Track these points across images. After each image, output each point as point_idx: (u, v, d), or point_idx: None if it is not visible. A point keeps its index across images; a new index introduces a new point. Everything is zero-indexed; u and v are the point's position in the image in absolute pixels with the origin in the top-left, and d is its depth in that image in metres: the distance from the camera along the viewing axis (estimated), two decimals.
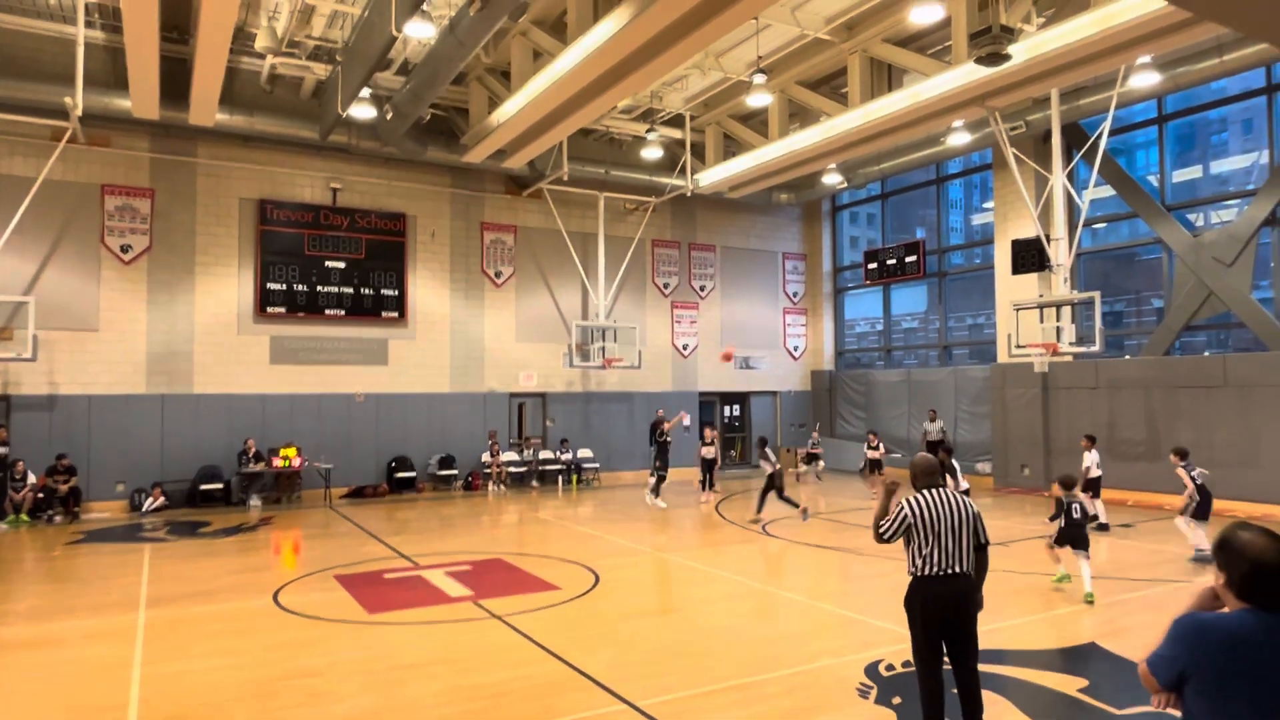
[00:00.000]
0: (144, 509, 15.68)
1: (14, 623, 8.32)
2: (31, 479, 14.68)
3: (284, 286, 17.68)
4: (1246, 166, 16.54)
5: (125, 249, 16.34)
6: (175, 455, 16.44)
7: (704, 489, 17.41)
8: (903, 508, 5.04)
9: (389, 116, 16.07)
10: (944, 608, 4.92)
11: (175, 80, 14.76)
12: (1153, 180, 17.29)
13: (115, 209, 16.26)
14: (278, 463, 16.90)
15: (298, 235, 17.87)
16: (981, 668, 6.60)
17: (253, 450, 16.69)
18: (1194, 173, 17.49)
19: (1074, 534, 9.19)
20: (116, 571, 10.80)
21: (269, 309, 17.51)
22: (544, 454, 20.17)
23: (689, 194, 20.39)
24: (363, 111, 15.25)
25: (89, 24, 14.62)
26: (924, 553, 4.96)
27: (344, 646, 7.42)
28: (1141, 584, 9.57)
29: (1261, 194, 15.14)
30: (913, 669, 6.57)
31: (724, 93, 18.12)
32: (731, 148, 19.75)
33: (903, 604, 5.10)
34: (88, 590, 9.80)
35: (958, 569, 4.95)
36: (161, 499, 15.90)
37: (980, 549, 5.14)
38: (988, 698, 5.97)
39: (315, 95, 17.50)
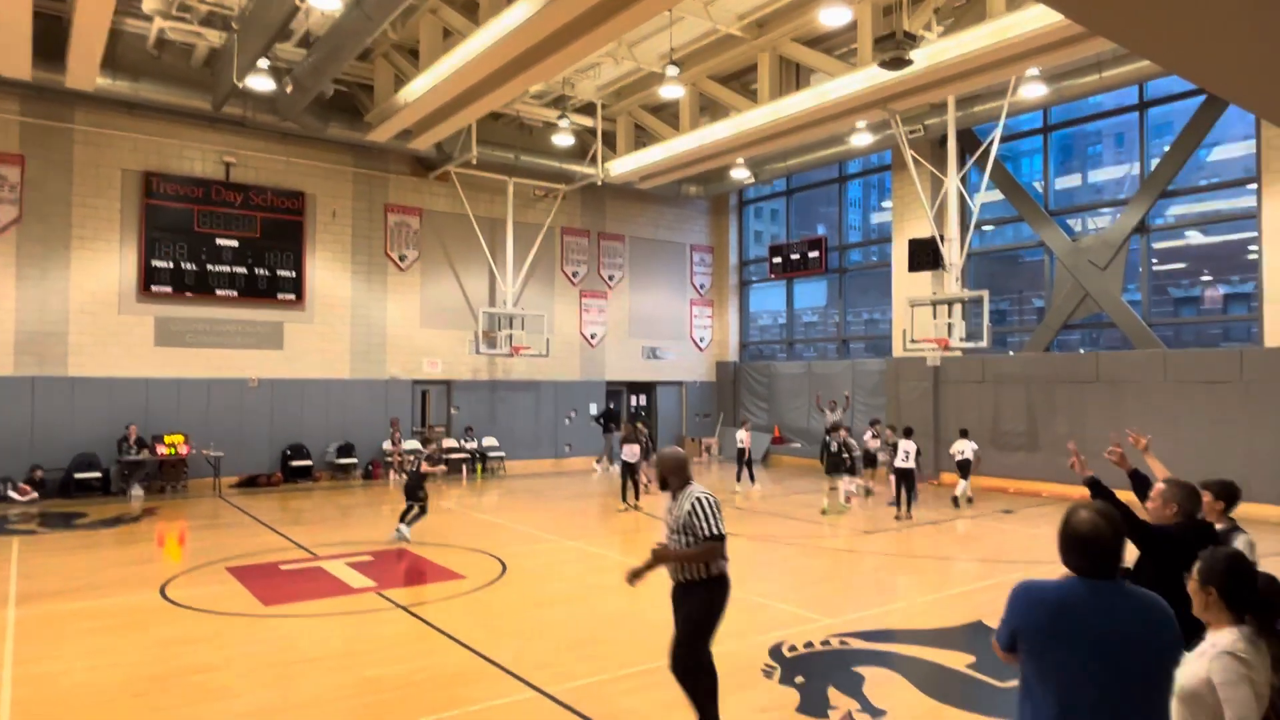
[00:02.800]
0: (19, 499, 14.59)
1: None
2: None
3: (171, 265, 16.72)
4: (1119, 177, 17.74)
5: None
6: (47, 442, 15.36)
7: (739, 480, 17.35)
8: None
9: (289, 90, 15.37)
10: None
11: (51, 39, 13.71)
12: (1037, 186, 18.33)
13: None
14: (162, 450, 16.02)
15: (187, 211, 16.92)
16: (876, 645, 6.94)
17: (134, 437, 15.77)
18: (1074, 181, 18.65)
19: (834, 461, 14.07)
20: None
21: (154, 288, 16.54)
22: (448, 442, 19.82)
23: (599, 183, 20.36)
24: (260, 83, 14.53)
25: None
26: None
27: (239, 641, 7.13)
28: (1022, 565, 10.19)
29: (1132, 204, 16.27)
30: (816, 649, 6.84)
31: (636, 83, 18.16)
32: (643, 138, 19.83)
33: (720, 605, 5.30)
34: None
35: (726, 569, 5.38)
36: (32, 491, 14.81)
37: (712, 539, 5.16)
38: (883, 674, 6.27)
39: (208, 64, 16.58)
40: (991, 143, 16.25)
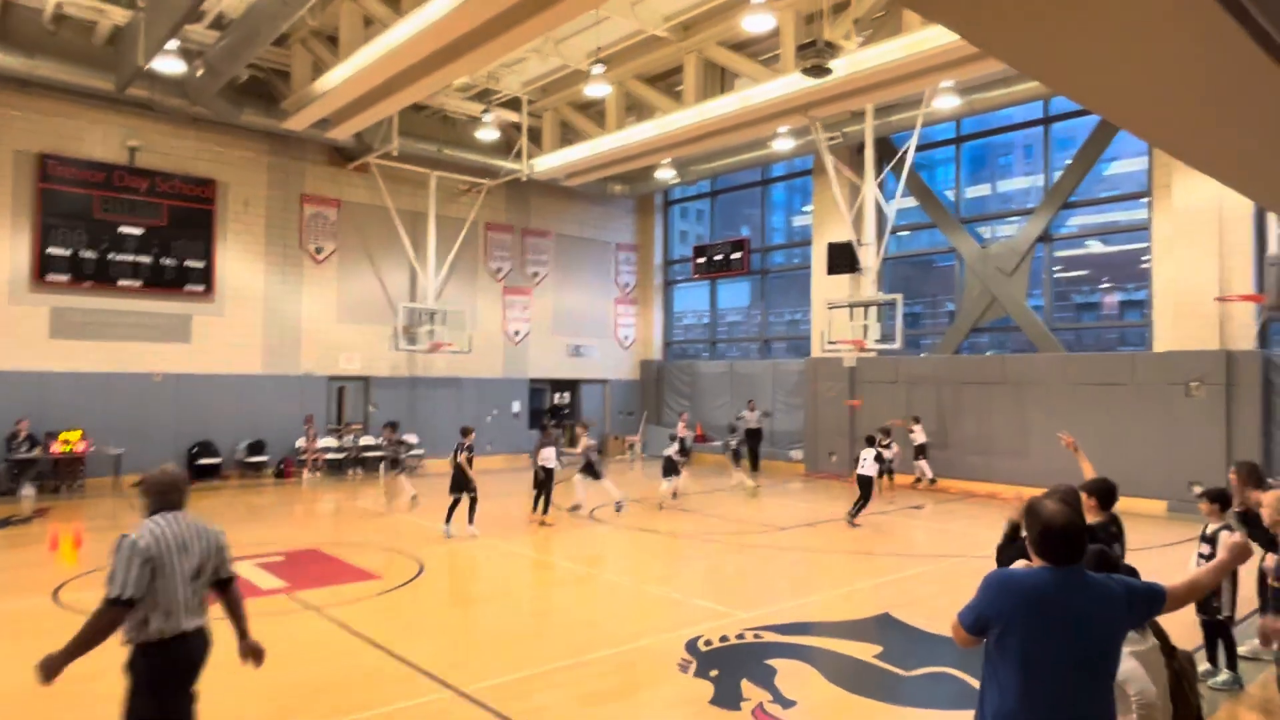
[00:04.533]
0: None
1: None
2: None
3: (69, 252, 15.86)
4: (1026, 188, 18.57)
5: None
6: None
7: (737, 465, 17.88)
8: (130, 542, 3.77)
9: (200, 74, 14.78)
10: (186, 671, 3.94)
11: None
12: (949, 195, 19.03)
13: None
14: (57, 448, 15.19)
15: (86, 196, 16.07)
16: (789, 639, 7.11)
17: (24, 433, 14.91)
18: (984, 190, 19.45)
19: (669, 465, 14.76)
20: None
21: (49, 276, 15.66)
22: (365, 440, 19.37)
23: (524, 179, 20.21)
24: (169, 65, 13.91)
25: None
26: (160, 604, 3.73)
27: None
28: (928, 559, 10.58)
29: (1037, 213, 17.06)
30: (730, 642, 6.96)
31: (563, 80, 18.10)
32: (569, 135, 19.77)
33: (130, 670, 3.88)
34: None
35: (189, 625, 3.87)
36: None
37: (224, 584, 4.11)
38: (794, 667, 6.43)
39: (111, 43, 15.78)
40: (907, 151, 16.79)
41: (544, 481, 13.04)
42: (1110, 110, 4.92)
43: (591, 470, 13.77)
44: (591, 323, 24.25)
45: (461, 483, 11.84)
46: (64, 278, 15.79)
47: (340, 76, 14.03)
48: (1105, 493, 5.24)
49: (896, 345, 16.55)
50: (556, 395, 24.04)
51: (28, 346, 15.50)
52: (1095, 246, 17.66)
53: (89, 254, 16.05)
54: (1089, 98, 4.56)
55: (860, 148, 17.81)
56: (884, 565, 10.29)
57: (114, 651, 6.71)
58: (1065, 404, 15.82)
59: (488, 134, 18.57)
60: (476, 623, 7.71)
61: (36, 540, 11.48)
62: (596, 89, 15.13)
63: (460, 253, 20.93)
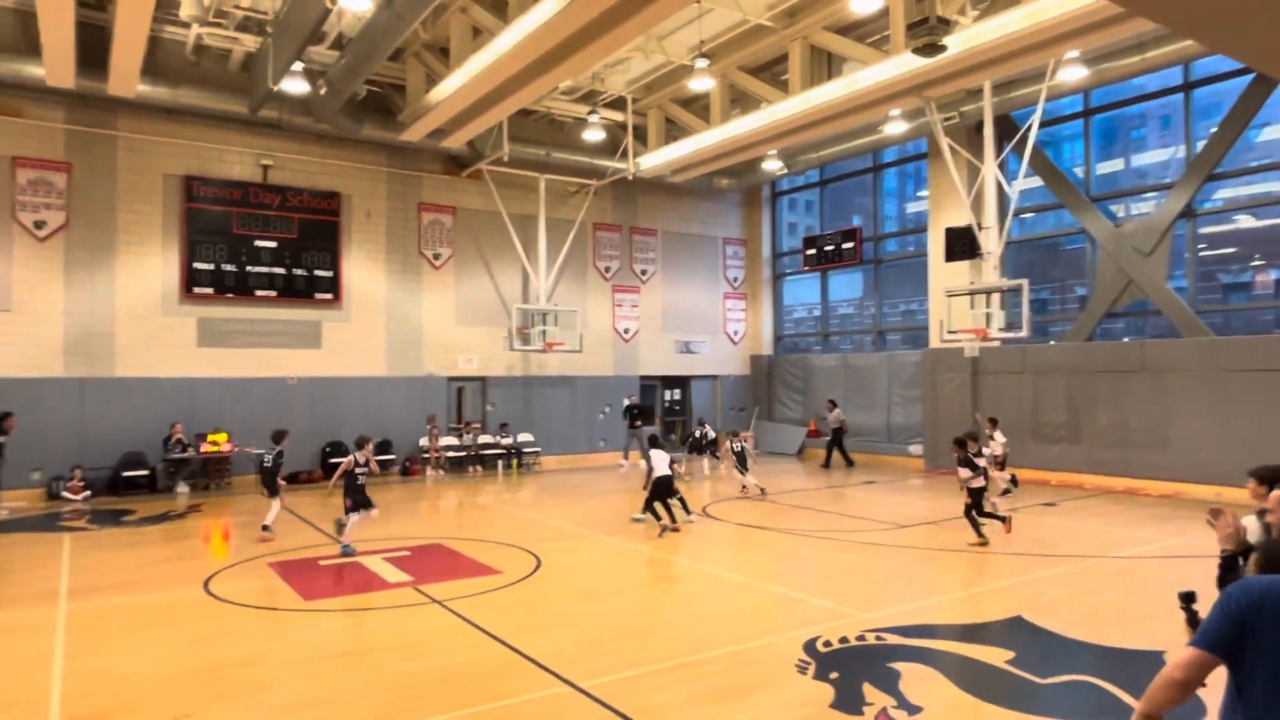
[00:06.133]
0: (73, 497, 15.01)
1: None
2: None
3: (212, 266, 17.06)
4: (1164, 160, 17.26)
5: (39, 225, 15.54)
6: (96, 441, 15.77)
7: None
8: None
9: (323, 92, 15.60)
10: None
11: (93, 48, 14.05)
12: (1078, 172, 17.91)
13: (28, 183, 15.44)
14: (206, 448, 16.37)
15: (226, 214, 17.24)
16: (913, 641, 6.84)
17: (179, 435, 16.13)
18: (1116, 165, 18.19)
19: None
20: (34, 563, 10.33)
21: (196, 289, 16.89)
22: (484, 438, 19.98)
23: (630, 177, 20.33)
24: (295, 86, 14.74)
25: None
26: None
27: (280, 635, 7.26)
28: (1063, 559, 9.98)
29: (1177, 187, 15.82)
30: (851, 644, 6.76)
31: (666, 76, 18.09)
32: (673, 131, 19.75)
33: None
34: (3, 582, 9.37)
35: None
36: (84, 489, 15.22)
37: None
38: (919, 670, 6.18)
39: (244, 68, 16.87)
40: (1030, 128, 15.91)
41: (665, 488, 12.02)
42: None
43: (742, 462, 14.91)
44: (700, 318, 24.17)
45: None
46: (208, 290, 17.00)
47: (452, 86, 14.49)
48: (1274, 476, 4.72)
49: (1024, 333, 15.73)
50: (667, 392, 24.09)
51: (178, 355, 16.77)
52: (1245, 221, 16.21)
53: (229, 267, 17.21)
54: (1260, 56, 4.14)
55: (979, 127, 17.01)
56: (1013, 565, 9.78)
57: (260, 640, 7.16)
58: (1213, 393, 14.62)
59: (594, 135, 18.80)
60: (592, 618, 7.80)
61: (190, 534, 12.39)
62: (700, 83, 15.03)
63: (570, 253, 21.27)
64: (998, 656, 6.50)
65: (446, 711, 5.49)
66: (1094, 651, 6.65)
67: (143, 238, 16.49)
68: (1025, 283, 15.68)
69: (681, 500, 12.39)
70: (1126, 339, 17.14)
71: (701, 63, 14.46)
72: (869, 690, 5.78)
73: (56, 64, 13.51)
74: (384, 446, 18.64)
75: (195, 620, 7.75)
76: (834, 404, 20.47)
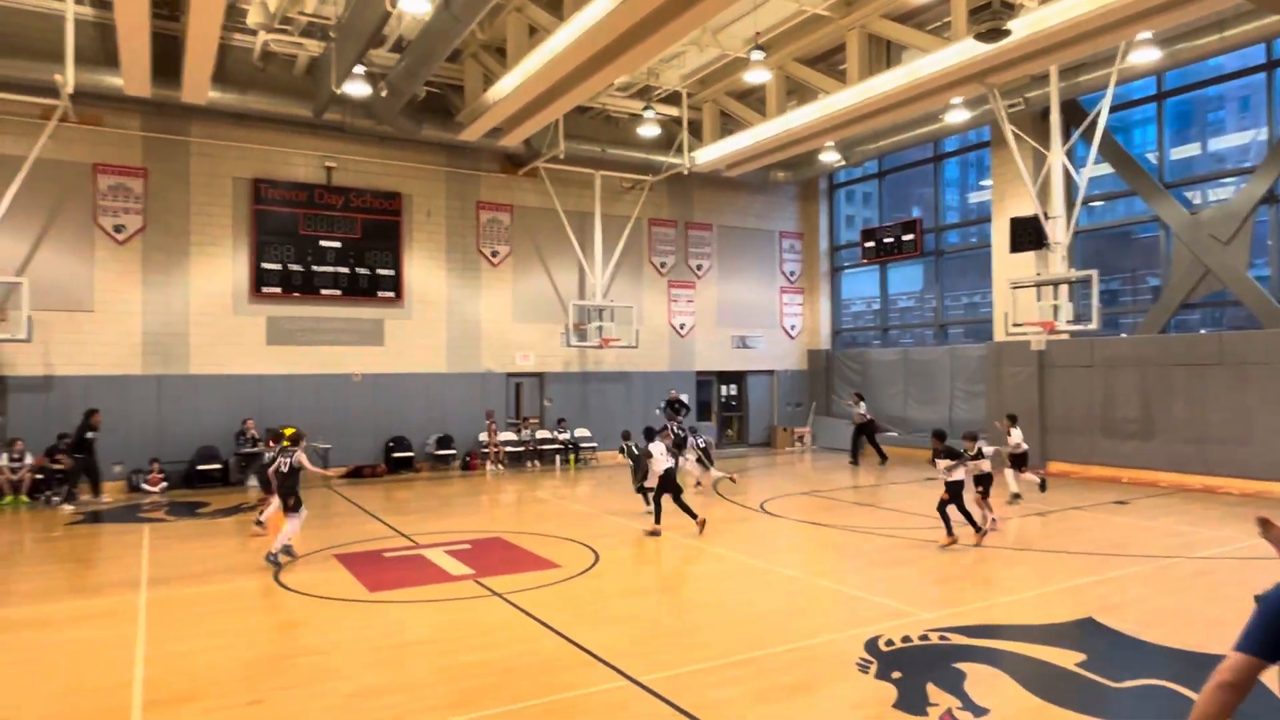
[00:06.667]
0: (151, 490, 15.66)
1: (17, 603, 8.34)
2: (29, 459, 14.65)
3: (279, 266, 17.59)
4: (1244, 144, 16.50)
5: (119, 229, 16.22)
6: (173, 436, 16.42)
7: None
8: None
9: (384, 94, 15.92)
10: None
11: (167, 57, 14.59)
12: (1151, 158, 17.25)
13: (108, 188, 16.13)
14: (275, 443, 16.87)
15: (292, 215, 17.75)
16: (978, 641, 6.70)
17: (251, 431, 16.67)
18: (1192, 150, 17.46)
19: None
20: (117, 551, 10.83)
21: (264, 289, 17.43)
22: (541, 434, 20.19)
23: (686, 172, 20.29)
24: (357, 89, 15.09)
25: (78, 0, 14.42)
26: None
27: (346, 625, 7.46)
28: (1136, 559, 9.65)
29: (1259, 171, 15.12)
30: (914, 643, 6.65)
31: (721, 69, 17.99)
32: (729, 125, 19.64)
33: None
34: (89, 570, 9.83)
35: None
36: (161, 482, 15.87)
37: None
38: (985, 672, 6.05)
39: (309, 73, 17.32)
40: (1099, 113, 15.37)
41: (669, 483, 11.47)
42: None
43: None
44: (757, 313, 24.00)
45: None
46: (276, 289, 17.52)
47: (509, 85, 14.65)
48: None
49: (1093, 325, 15.20)
50: (723, 388, 24.00)
51: (249, 353, 17.34)
52: None
53: (296, 267, 17.72)
54: None
55: (1045, 113, 16.51)
56: (1083, 565, 9.49)
57: (328, 630, 7.36)
58: None
59: (649, 130, 18.80)
60: (650, 613, 7.82)
61: (260, 527, 12.78)
62: (756, 75, 14.93)
63: (625, 249, 21.33)
64: (1067, 659, 6.32)
65: (510, 702, 5.58)
66: (1171, 655, 6.41)
67: (214, 239, 17.08)
68: (1094, 273, 15.17)
69: (684, 506, 11.48)
70: (1204, 331, 16.46)
71: (757, 55, 14.35)
72: (933, 691, 5.67)
73: (134, 74, 14.06)
74: (444, 441, 19.00)
75: (267, 610, 8.02)
76: (860, 396, 20.07)
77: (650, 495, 12.01)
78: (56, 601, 8.33)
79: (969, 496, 10.66)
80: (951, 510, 10.35)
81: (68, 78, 13.68)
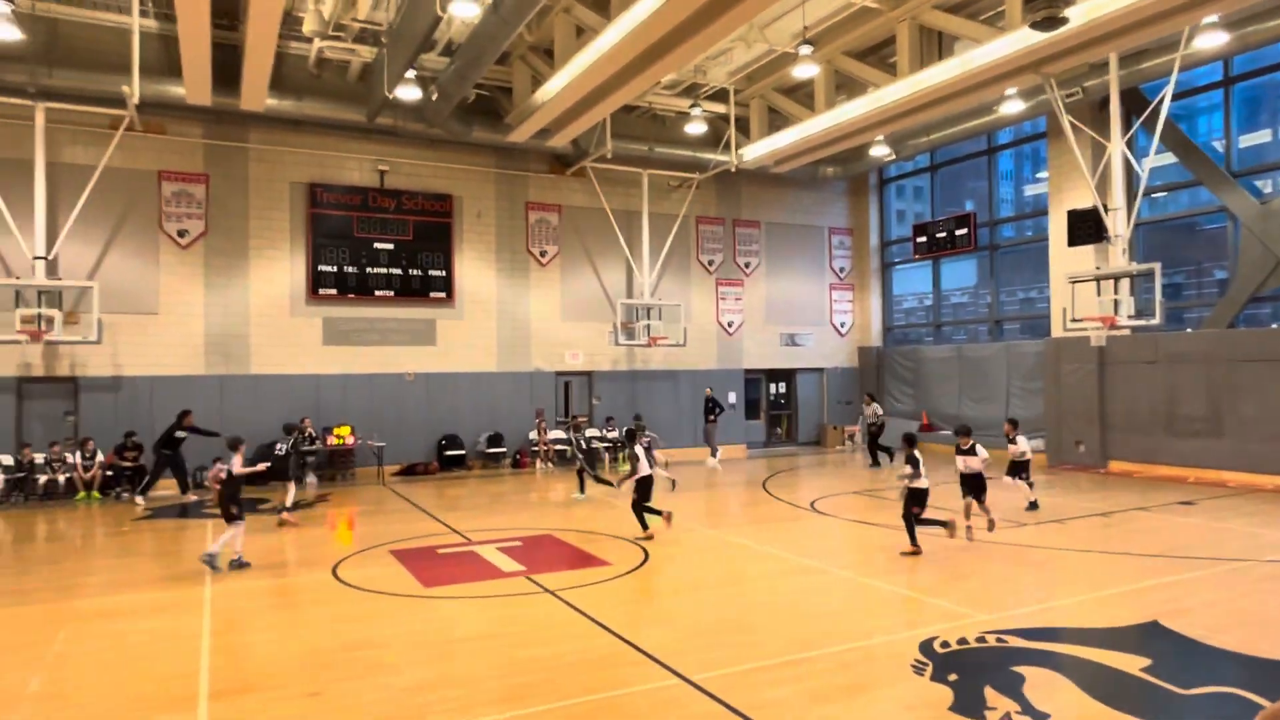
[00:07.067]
0: (214, 486, 16.15)
1: (89, 594, 8.67)
2: (100, 458, 15.22)
3: (335, 268, 17.98)
4: None
5: (182, 234, 16.75)
6: (234, 434, 16.85)
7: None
8: None
9: (434, 98, 16.16)
10: None
11: (226, 67, 15.01)
12: (1217, 146, 16.63)
13: (172, 194, 16.66)
14: (332, 441, 17.29)
15: (347, 218, 18.13)
16: (1037, 644, 6.55)
17: (309, 429, 17.07)
18: (1262, 137, 16.76)
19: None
20: (184, 545, 11.19)
21: (320, 291, 17.83)
22: (590, 432, 20.26)
23: (733, 169, 20.19)
24: (408, 93, 15.35)
25: (143, 13, 14.93)
26: None
27: (401, 619, 7.60)
28: (1205, 562, 9.33)
29: None
30: (970, 645, 6.52)
31: (769, 65, 17.86)
32: (776, 121, 19.48)
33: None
34: (156, 564, 10.17)
35: None
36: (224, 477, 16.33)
37: None
38: (1045, 675, 5.90)
39: (362, 78, 17.66)
40: (1162, 101, 14.88)
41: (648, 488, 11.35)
42: None
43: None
44: (806, 310, 23.78)
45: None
46: (332, 291, 17.92)
47: (557, 86, 14.74)
48: None
49: (1156, 320, 14.73)
50: (772, 386, 23.83)
51: (306, 353, 17.76)
52: None
53: (350, 269, 18.09)
54: None
55: (1104, 102, 16.04)
56: (1148, 567, 9.20)
57: (384, 624, 7.49)
58: None
59: (696, 128, 18.76)
60: (702, 612, 7.81)
61: (318, 522, 13.11)
62: (805, 70, 14.78)
63: (673, 247, 21.32)
64: (1132, 664, 6.14)
65: (563, 698, 5.62)
66: (1242, 662, 6.19)
67: (272, 243, 17.53)
68: (1157, 266, 14.69)
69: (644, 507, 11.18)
70: (1275, 325, 15.83)
71: (805, 49, 14.20)
72: (991, 694, 5.56)
73: (195, 83, 14.51)
74: (495, 439, 19.21)
75: (325, 603, 8.21)
76: (871, 397, 19.88)
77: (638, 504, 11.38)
78: (127, 593, 8.65)
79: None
80: (976, 508, 9.86)
81: (134, 88, 14.19)
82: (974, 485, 10.59)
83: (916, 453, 9.95)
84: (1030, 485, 12.70)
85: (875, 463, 19.01)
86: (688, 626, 7.29)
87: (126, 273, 16.28)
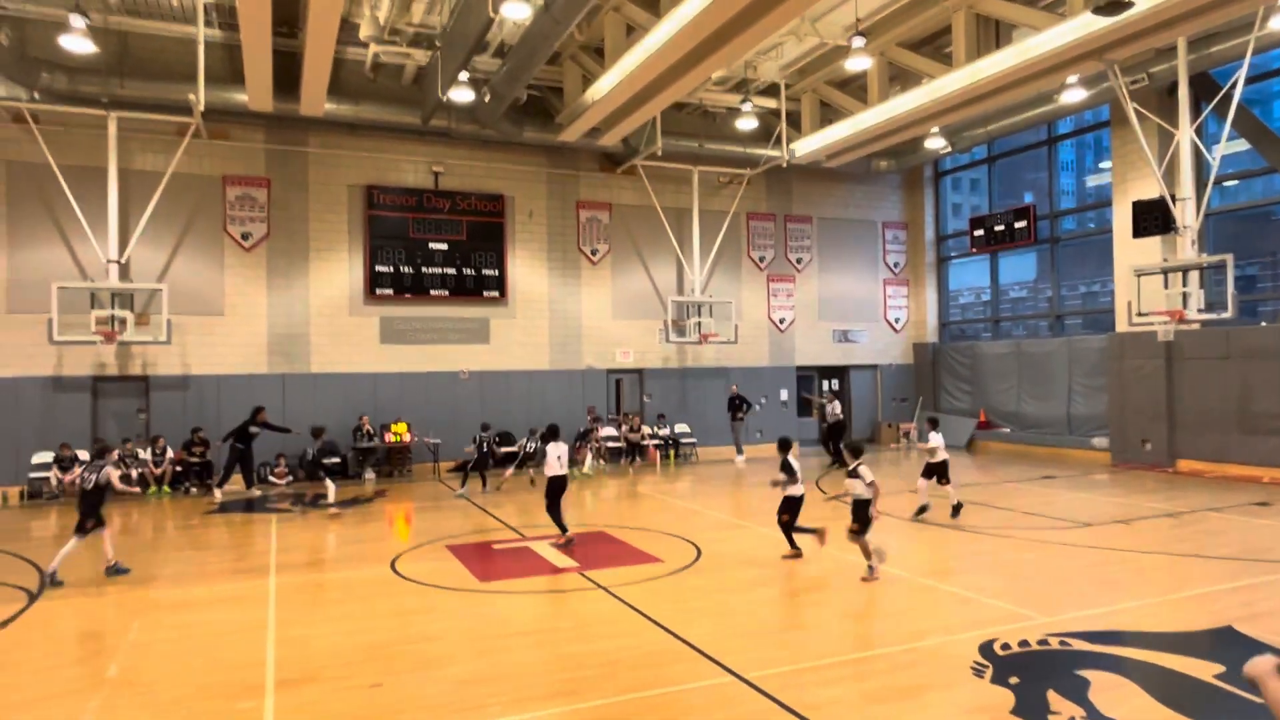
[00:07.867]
0: (278, 482, 16.64)
1: (161, 586, 9.00)
2: (170, 454, 15.78)
3: (391, 269, 18.34)
4: None
5: (246, 236, 17.26)
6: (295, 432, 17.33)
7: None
8: None
9: (487, 99, 16.36)
10: None
11: (287, 73, 15.42)
12: None
13: (236, 199, 17.18)
14: (389, 438, 17.64)
15: (402, 219, 18.47)
16: (1102, 648, 6.37)
17: (367, 426, 17.46)
18: None
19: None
20: (250, 539, 11.55)
21: (378, 291, 18.21)
22: (642, 429, 20.31)
23: (784, 165, 20.01)
24: (462, 95, 15.57)
25: (207, 23, 15.41)
26: None
27: (457, 613, 7.73)
28: None
29: None
30: (1032, 648, 6.38)
31: (820, 59, 17.66)
32: (828, 115, 19.26)
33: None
34: (224, 557, 10.51)
35: None
36: (287, 475, 16.80)
37: None
38: (1111, 680, 5.74)
39: (416, 81, 17.97)
40: (1234, 86, 14.31)
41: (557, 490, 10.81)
42: None
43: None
44: (859, 306, 23.47)
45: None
46: (388, 291, 18.28)
47: (608, 85, 14.80)
48: None
49: (1228, 314, 14.18)
50: (825, 383, 23.57)
51: (364, 352, 18.16)
52: None
53: (406, 269, 18.43)
54: None
55: (1171, 89, 15.49)
56: (1220, 571, 8.88)
57: (440, 618, 7.62)
58: None
59: (747, 124, 18.64)
60: (754, 610, 7.77)
61: (377, 518, 13.39)
62: (857, 62, 14.55)
63: (724, 244, 21.23)
64: (1204, 670, 5.93)
65: (617, 694, 5.66)
66: None
67: (331, 244, 17.95)
68: (1230, 258, 14.13)
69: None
70: None
71: (858, 41, 14.00)
72: (1054, 698, 5.43)
73: (257, 90, 14.93)
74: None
75: (384, 597, 8.39)
76: (834, 394, 19.68)
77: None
78: (196, 585, 8.96)
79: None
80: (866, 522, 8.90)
81: (199, 96, 14.65)
82: (857, 513, 9.11)
83: (792, 459, 9.75)
84: (951, 485, 12.10)
85: (837, 461, 18.50)
86: (741, 624, 7.27)
87: (193, 275, 16.84)
